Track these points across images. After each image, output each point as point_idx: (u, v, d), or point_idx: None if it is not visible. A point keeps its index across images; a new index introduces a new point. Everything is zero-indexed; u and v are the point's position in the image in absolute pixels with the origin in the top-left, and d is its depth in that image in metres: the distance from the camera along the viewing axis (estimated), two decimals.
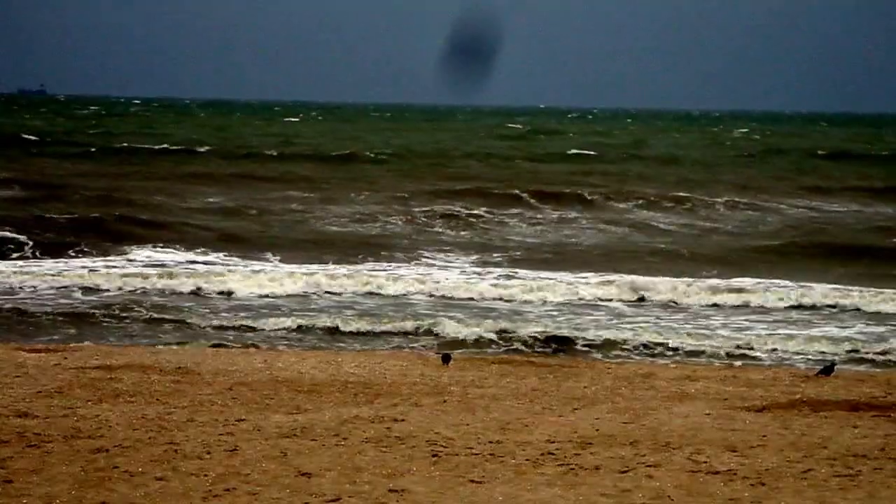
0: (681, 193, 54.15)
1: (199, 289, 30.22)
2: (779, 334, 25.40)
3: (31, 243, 36.91)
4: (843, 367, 20.88)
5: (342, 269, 33.35)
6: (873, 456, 12.18)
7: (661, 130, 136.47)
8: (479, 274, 33.77)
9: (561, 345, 23.83)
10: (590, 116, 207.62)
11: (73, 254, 36.10)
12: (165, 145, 76.35)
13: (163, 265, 34.03)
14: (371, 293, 30.54)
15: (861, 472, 11.59)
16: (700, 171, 69.19)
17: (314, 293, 30.50)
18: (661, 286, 30.96)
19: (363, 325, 25.76)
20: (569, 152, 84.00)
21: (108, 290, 29.70)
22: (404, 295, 30.38)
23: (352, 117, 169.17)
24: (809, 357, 23.31)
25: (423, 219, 46.21)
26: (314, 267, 33.72)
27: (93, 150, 71.69)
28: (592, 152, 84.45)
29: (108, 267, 33.25)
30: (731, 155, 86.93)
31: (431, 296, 30.33)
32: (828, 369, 18.23)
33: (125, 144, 75.81)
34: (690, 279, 32.08)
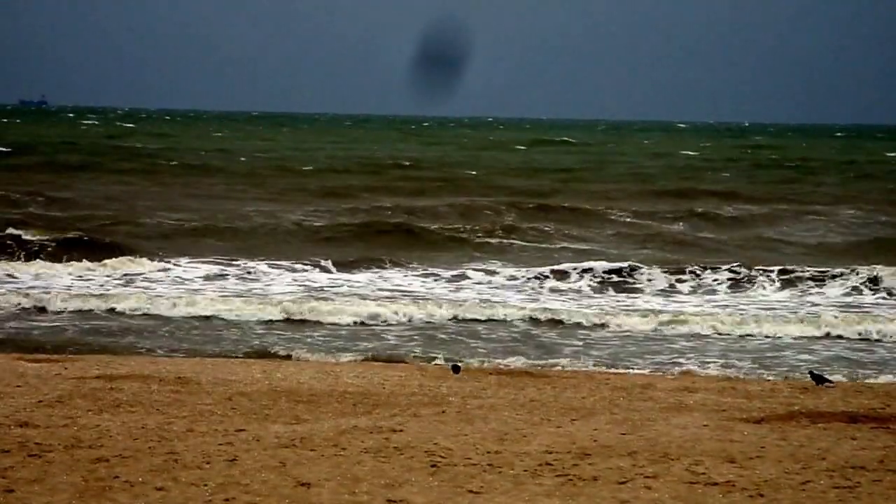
0: None
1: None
2: None
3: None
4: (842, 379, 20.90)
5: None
6: (872, 468, 12.20)
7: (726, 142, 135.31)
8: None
9: None
10: (600, 128, 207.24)
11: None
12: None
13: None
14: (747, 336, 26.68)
15: (860, 483, 11.61)
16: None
17: None
18: None
19: None
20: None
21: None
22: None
23: (329, 127, 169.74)
24: None
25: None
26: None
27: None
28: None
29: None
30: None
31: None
32: (818, 378, 18.31)
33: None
34: None
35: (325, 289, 32.22)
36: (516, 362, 22.06)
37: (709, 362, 22.79)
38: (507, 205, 51.75)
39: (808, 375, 18.92)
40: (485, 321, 27.34)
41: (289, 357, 22.47)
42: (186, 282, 33.01)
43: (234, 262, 35.84)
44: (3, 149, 76.16)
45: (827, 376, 18.96)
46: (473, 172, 72.81)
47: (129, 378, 16.98)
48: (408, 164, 78.33)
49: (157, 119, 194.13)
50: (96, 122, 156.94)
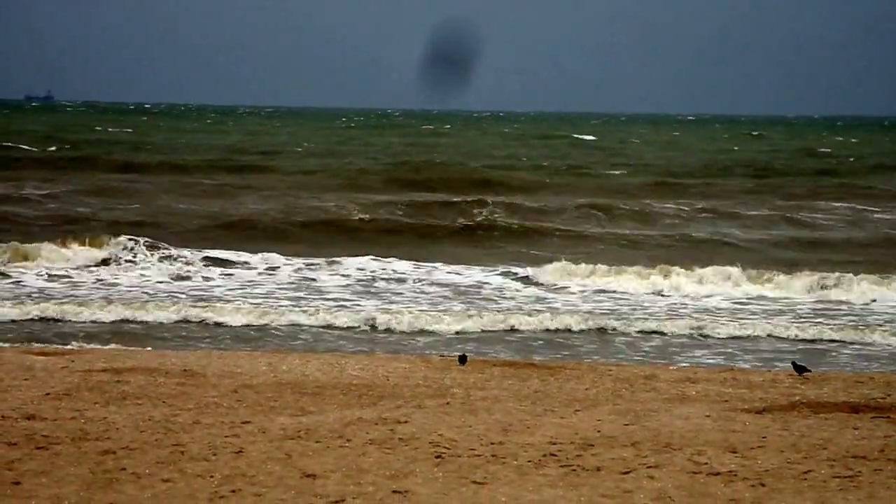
0: None
1: None
2: None
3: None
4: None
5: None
6: (873, 457, 12.28)
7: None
8: None
9: None
10: (623, 118, 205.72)
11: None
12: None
13: None
14: None
15: (861, 473, 11.69)
16: None
17: None
18: None
19: None
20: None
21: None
22: None
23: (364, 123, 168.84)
24: None
25: None
26: None
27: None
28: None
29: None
30: None
31: None
32: (799, 368, 18.43)
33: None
34: None
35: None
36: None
37: None
38: None
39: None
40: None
41: None
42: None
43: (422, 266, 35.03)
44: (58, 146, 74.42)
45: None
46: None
47: (135, 371, 17.06)
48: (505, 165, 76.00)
49: (184, 114, 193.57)
50: (103, 113, 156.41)
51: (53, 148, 77.65)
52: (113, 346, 22.37)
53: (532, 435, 13.13)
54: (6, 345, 21.72)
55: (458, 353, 19.45)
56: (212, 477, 11.21)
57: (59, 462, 11.64)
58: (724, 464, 11.93)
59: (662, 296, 31.63)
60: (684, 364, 22.02)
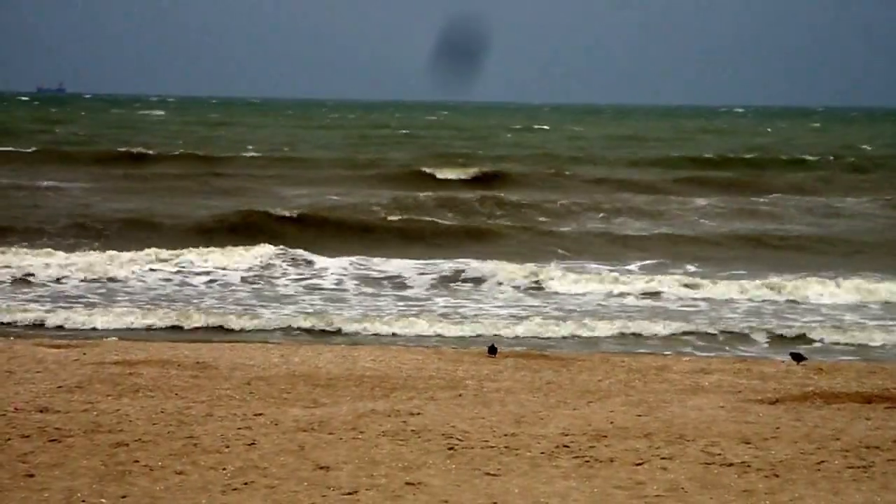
0: None
1: None
2: None
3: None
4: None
5: None
6: (886, 447, 12.28)
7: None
8: None
9: None
10: (641, 112, 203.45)
11: None
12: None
13: None
14: None
15: (874, 463, 11.69)
16: None
17: None
18: None
19: None
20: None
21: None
22: None
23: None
24: None
25: None
26: None
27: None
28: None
29: None
30: None
31: None
32: (797, 356, 18.50)
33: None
34: None
35: None
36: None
37: None
38: None
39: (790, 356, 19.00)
40: None
41: None
42: None
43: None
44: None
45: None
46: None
47: (147, 363, 17.09)
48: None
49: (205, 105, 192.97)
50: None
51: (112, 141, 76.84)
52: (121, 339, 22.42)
53: (545, 426, 13.14)
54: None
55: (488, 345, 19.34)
56: (224, 469, 11.23)
57: (71, 454, 11.66)
58: (738, 455, 11.92)
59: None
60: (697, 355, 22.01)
